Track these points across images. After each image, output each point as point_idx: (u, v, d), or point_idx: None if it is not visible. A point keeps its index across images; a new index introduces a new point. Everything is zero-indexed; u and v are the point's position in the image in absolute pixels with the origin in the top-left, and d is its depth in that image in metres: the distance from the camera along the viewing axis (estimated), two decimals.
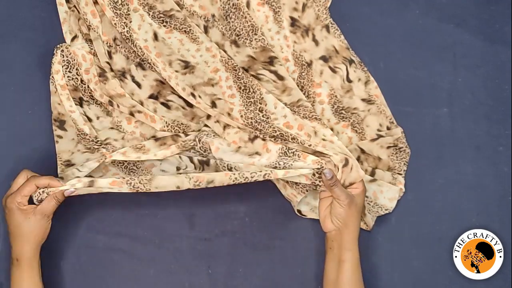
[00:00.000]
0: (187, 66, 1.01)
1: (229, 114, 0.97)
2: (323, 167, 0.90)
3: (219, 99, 0.98)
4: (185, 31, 1.02)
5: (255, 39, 1.02)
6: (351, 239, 0.88)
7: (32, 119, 1.00)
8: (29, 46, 1.04)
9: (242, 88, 0.99)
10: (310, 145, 0.93)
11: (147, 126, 1.01)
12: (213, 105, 0.98)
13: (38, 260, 0.87)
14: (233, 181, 0.90)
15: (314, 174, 0.91)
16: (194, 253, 0.97)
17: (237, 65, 1.00)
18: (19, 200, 0.85)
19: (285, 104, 0.98)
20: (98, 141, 1.00)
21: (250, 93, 0.98)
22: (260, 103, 0.98)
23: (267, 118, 0.97)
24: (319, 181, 0.91)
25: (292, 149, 0.93)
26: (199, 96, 0.98)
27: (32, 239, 0.85)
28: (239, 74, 0.99)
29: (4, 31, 1.04)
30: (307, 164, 0.91)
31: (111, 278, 0.97)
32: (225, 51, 1.01)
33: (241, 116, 0.97)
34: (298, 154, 0.92)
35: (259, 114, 0.97)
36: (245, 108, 0.97)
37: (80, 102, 1.01)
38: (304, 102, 0.99)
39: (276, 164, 0.93)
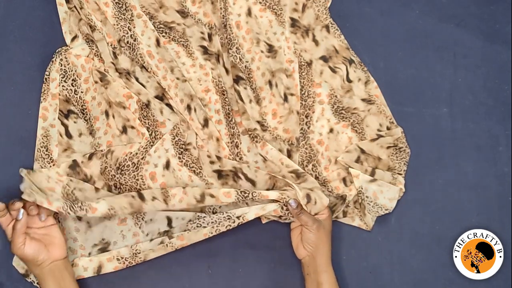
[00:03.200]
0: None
1: (217, 140, 0.99)
2: (287, 199, 0.92)
3: (211, 120, 1.00)
4: (182, 44, 1.03)
5: (230, 54, 1.02)
6: (324, 261, 0.91)
7: (32, 119, 1.00)
8: (29, 46, 1.03)
9: (228, 114, 1.00)
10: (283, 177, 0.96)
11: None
12: (205, 123, 0.99)
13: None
14: (209, 235, 0.93)
15: (282, 208, 0.93)
16: (194, 253, 0.97)
17: (225, 90, 1.00)
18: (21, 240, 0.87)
19: (246, 130, 0.99)
20: (57, 172, 0.97)
21: (231, 123, 0.99)
22: (237, 139, 0.99)
23: (240, 158, 0.99)
24: (287, 213, 0.93)
25: (246, 191, 0.93)
26: (194, 110, 0.99)
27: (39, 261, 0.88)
28: (226, 100, 1.00)
29: (4, 31, 1.04)
30: (270, 200, 0.93)
31: (112, 278, 0.97)
32: (223, 62, 1.02)
33: (228, 147, 0.99)
34: (255, 194, 0.92)
35: (237, 149, 0.99)
36: (230, 139, 0.99)
37: (67, 115, 1.00)
38: (259, 132, 0.99)
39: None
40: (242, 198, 0.92)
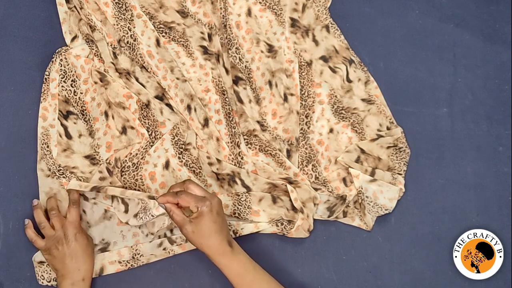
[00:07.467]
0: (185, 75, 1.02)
1: (217, 140, 0.99)
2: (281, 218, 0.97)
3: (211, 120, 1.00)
4: (182, 44, 1.03)
5: (230, 54, 1.02)
6: (215, 258, 0.87)
7: (32, 119, 1.00)
8: (29, 46, 1.03)
9: (228, 114, 1.00)
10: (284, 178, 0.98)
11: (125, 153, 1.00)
12: (205, 123, 0.99)
13: None
14: None
15: (277, 225, 0.97)
16: (194, 254, 0.97)
17: (225, 90, 1.00)
18: (77, 221, 0.87)
19: (242, 133, 1.00)
20: (60, 169, 0.97)
21: (232, 123, 0.99)
22: (239, 138, 0.99)
23: (241, 158, 0.99)
24: (282, 230, 0.97)
25: (241, 197, 0.98)
26: (195, 110, 0.99)
27: (93, 256, 0.89)
28: (226, 99, 1.00)
29: (4, 31, 1.04)
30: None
31: (112, 278, 0.97)
32: (223, 62, 1.02)
33: (228, 147, 0.99)
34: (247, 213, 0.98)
35: (237, 148, 0.99)
36: (230, 139, 0.99)
37: (66, 116, 0.99)
38: (259, 133, 1.00)
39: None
40: (238, 206, 0.96)
